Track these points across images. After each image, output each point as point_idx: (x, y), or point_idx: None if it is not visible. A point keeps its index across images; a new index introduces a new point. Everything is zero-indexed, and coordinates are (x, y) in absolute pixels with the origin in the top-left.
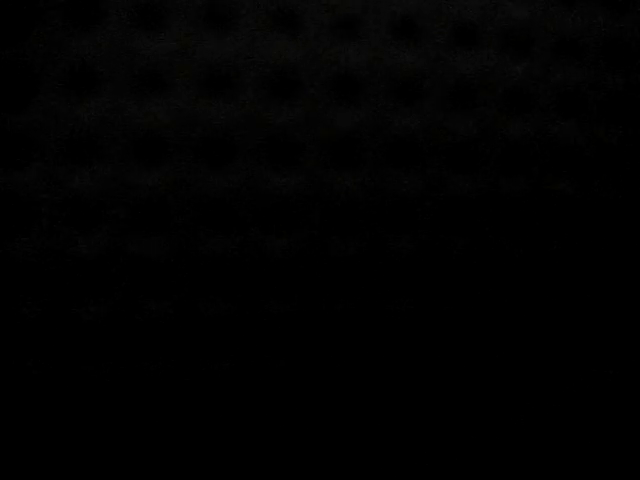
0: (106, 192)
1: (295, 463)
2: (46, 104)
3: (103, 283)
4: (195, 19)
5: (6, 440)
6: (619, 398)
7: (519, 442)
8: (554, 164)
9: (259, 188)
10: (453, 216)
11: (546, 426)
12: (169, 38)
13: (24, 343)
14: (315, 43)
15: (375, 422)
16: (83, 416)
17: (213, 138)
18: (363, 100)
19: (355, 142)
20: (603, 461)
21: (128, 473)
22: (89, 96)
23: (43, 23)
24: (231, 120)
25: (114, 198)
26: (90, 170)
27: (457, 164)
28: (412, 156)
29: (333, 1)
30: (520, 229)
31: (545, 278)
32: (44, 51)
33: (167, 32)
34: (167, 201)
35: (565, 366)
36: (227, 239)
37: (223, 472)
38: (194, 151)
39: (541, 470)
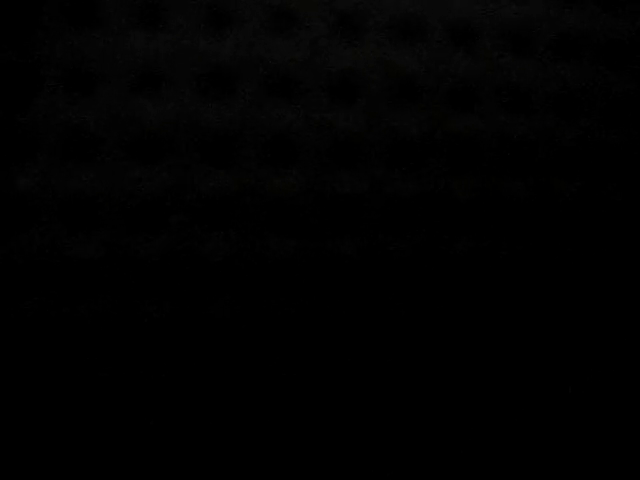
0: (106, 191)
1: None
2: (48, 104)
3: (102, 282)
4: (195, 19)
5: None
6: (619, 397)
7: (519, 441)
8: (555, 164)
9: (260, 187)
10: (454, 217)
11: (545, 424)
12: (168, 38)
13: (24, 339)
14: (314, 43)
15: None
16: (79, 414)
17: (212, 138)
18: (362, 100)
19: (354, 142)
20: (603, 461)
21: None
22: (89, 96)
23: (44, 24)
24: (230, 120)
25: (114, 197)
26: (90, 170)
27: (457, 164)
28: (412, 157)
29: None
30: (522, 228)
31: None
32: (45, 52)
33: (166, 33)
34: (166, 200)
35: (558, 361)
36: (224, 239)
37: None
38: (194, 150)
39: (541, 470)
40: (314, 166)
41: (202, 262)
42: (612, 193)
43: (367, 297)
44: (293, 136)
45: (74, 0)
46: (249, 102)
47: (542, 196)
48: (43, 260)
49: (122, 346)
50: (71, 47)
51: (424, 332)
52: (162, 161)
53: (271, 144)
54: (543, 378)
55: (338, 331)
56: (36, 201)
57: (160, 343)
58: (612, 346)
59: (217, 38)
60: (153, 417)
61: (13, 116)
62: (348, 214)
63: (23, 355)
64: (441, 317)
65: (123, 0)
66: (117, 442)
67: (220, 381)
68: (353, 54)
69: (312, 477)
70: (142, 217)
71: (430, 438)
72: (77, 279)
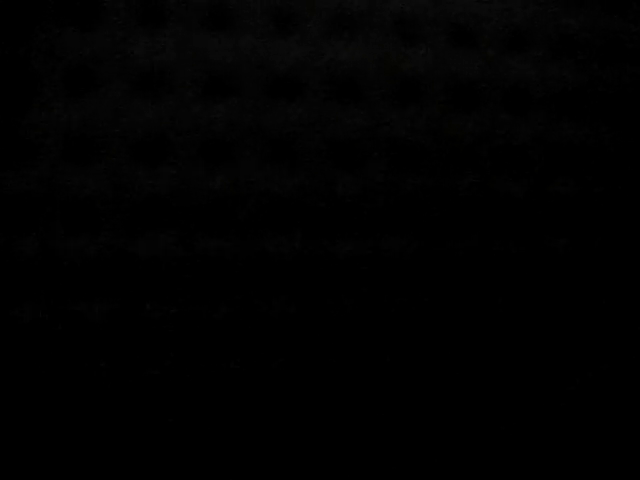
0: (107, 193)
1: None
2: (47, 106)
3: (104, 282)
4: (196, 20)
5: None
6: (618, 397)
7: (519, 441)
8: (554, 164)
9: (260, 188)
10: (458, 215)
11: (545, 424)
12: (169, 39)
13: (25, 341)
14: (314, 43)
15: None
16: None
17: (213, 139)
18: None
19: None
20: (603, 461)
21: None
22: (90, 97)
23: (43, 25)
24: (230, 121)
25: (115, 198)
26: (91, 171)
27: (458, 163)
28: (413, 157)
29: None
30: (520, 228)
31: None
32: (45, 54)
33: (167, 33)
34: (166, 201)
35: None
36: (223, 240)
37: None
38: (195, 152)
39: (541, 470)
40: (315, 166)
41: (203, 262)
42: (612, 192)
43: (367, 297)
44: (294, 136)
45: (74, 1)
46: (250, 103)
47: (542, 195)
48: (43, 262)
49: (123, 346)
50: (71, 48)
51: (422, 333)
52: (163, 163)
53: (271, 144)
54: (543, 377)
55: (336, 331)
56: (36, 203)
57: (162, 343)
58: (611, 347)
59: (218, 38)
60: (161, 417)
61: (13, 117)
62: (348, 214)
63: (22, 357)
64: (441, 317)
65: (124, 1)
66: (112, 444)
67: (221, 380)
68: (353, 53)
69: (311, 477)
70: (143, 218)
71: (429, 437)
72: (78, 280)
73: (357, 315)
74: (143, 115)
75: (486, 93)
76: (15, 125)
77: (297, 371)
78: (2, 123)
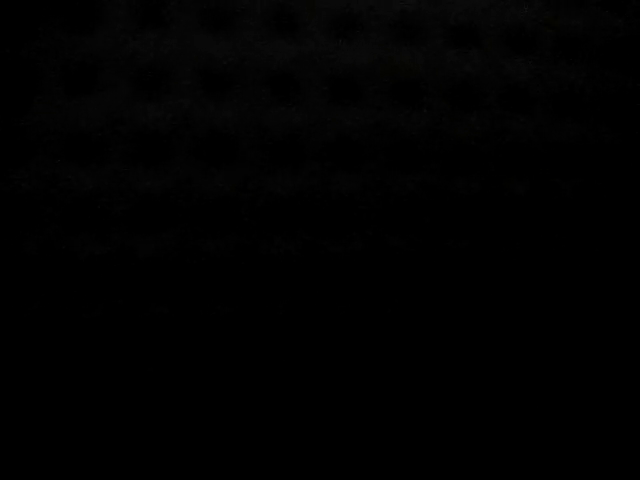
0: (106, 191)
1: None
2: (49, 105)
3: (105, 282)
4: (195, 21)
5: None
6: (619, 398)
7: (519, 442)
8: (555, 163)
9: (260, 189)
10: (454, 216)
11: (546, 425)
12: (168, 39)
13: (26, 341)
14: (314, 43)
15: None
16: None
17: (213, 138)
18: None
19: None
20: (603, 461)
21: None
22: (89, 97)
23: (43, 26)
24: (230, 120)
25: (114, 197)
26: (90, 170)
27: (458, 162)
28: (413, 158)
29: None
30: (523, 226)
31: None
32: (47, 53)
33: (167, 33)
34: (167, 200)
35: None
36: (224, 239)
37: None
38: (195, 151)
39: (541, 470)
40: (314, 164)
41: (204, 261)
42: (610, 191)
43: (369, 297)
44: (294, 136)
45: (73, 1)
46: (249, 102)
47: (541, 194)
48: (44, 260)
49: (125, 343)
50: (72, 49)
51: (421, 330)
52: (164, 163)
53: (272, 144)
54: (541, 377)
55: (335, 330)
56: (36, 202)
57: (163, 341)
58: (610, 344)
59: (218, 38)
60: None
61: (13, 118)
62: (349, 213)
63: (24, 353)
64: (439, 314)
65: (123, 1)
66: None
67: (220, 383)
68: (353, 53)
69: (312, 477)
70: (143, 217)
71: (429, 436)
72: (78, 278)
73: (360, 315)
74: (144, 115)
75: (486, 93)
76: (17, 124)
77: (296, 374)
78: (4, 122)
